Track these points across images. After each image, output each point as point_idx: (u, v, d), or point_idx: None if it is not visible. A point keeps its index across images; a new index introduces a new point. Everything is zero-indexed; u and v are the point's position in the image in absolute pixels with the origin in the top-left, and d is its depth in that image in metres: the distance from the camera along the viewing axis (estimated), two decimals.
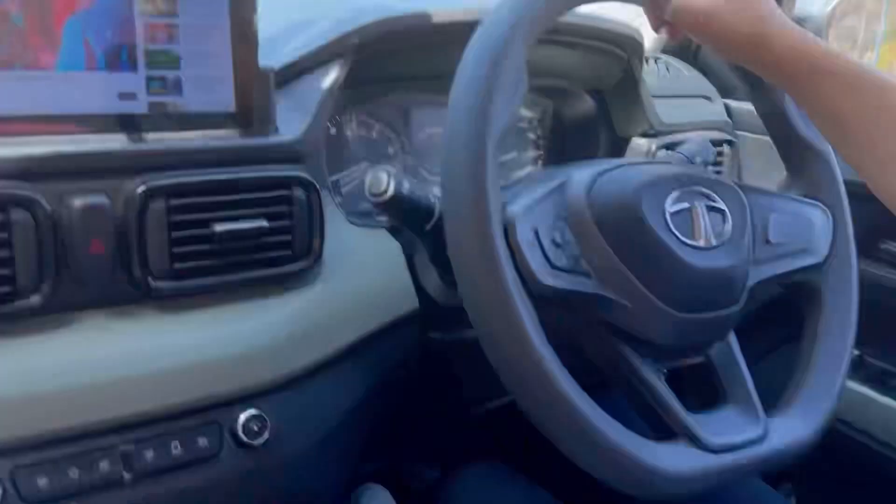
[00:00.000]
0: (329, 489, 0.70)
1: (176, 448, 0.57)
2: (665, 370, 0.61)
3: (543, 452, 0.61)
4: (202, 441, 0.58)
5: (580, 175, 0.61)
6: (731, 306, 0.62)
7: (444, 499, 0.77)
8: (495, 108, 0.53)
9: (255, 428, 0.59)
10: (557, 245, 0.57)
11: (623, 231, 0.58)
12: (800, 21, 1.11)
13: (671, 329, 0.59)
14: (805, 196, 0.71)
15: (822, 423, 0.64)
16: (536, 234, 0.56)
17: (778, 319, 0.75)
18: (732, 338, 0.66)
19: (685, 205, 0.61)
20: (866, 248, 1.01)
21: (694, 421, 0.58)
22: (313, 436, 0.64)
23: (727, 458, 0.57)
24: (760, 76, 0.64)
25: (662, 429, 0.58)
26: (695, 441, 0.57)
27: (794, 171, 0.73)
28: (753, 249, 0.65)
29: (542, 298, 0.54)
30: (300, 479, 0.65)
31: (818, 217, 0.70)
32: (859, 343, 1.04)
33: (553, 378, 0.51)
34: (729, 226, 0.62)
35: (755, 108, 0.73)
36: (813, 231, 0.69)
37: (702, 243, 0.60)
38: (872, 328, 1.03)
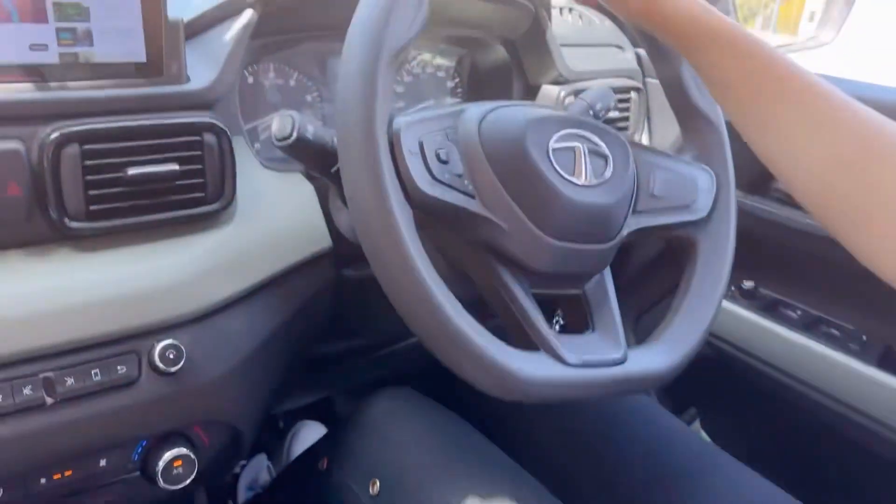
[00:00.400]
0: (249, 412, 0.76)
1: (96, 375, 0.62)
2: (537, 294, 0.66)
3: (449, 380, 0.67)
4: (121, 368, 0.63)
5: (476, 107, 0.66)
6: (605, 242, 0.66)
7: (360, 423, 0.84)
8: (390, 29, 0.56)
9: (171, 356, 0.64)
10: (442, 161, 0.61)
11: (507, 160, 0.62)
12: None
13: (545, 255, 0.63)
14: (695, 160, 0.76)
15: (679, 360, 0.68)
16: (421, 146, 0.60)
17: (662, 274, 0.80)
18: (607, 275, 0.70)
19: (568, 144, 0.65)
20: (761, 188, 1.09)
21: (556, 339, 0.62)
22: (227, 364, 0.69)
23: (582, 373, 0.61)
24: (656, 37, 0.69)
25: (526, 342, 0.62)
26: (553, 354, 0.61)
27: (687, 136, 0.77)
28: (637, 199, 0.70)
29: (422, 207, 0.58)
30: (218, 402, 0.70)
31: (704, 179, 0.74)
32: (754, 275, 1.13)
33: (424, 282, 0.55)
34: (610, 170, 0.66)
35: (655, 71, 0.77)
36: (697, 191, 0.73)
37: (581, 181, 0.64)
38: (766, 261, 1.11)
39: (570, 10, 1.17)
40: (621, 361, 0.64)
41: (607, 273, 0.71)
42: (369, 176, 0.55)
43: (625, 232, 0.69)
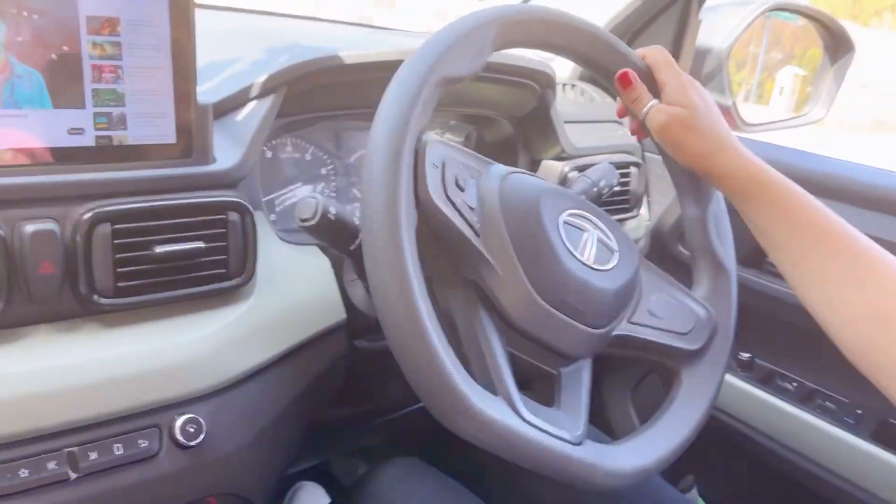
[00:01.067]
0: (263, 484, 0.77)
1: (118, 449, 0.63)
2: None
3: (454, 448, 0.67)
4: (143, 442, 0.64)
5: (502, 166, 0.69)
6: (592, 327, 0.66)
7: (366, 492, 0.85)
8: (415, 115, 0.59)
9: (192, 430, 0.66)
10: (459, 187, 0.63)
11: (520, 217, 0.64)
12: (703, 53, 1.22)
13: (531, 314, 0.63)
14: (702, 299, 0.77)
15: (639, 468, 0.66)
16: (444, 165, 0.62)
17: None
18: (585, 369, 0.69)
19: (579, 223, 0.68)
20: (757, 261, 1.12)
21: (517, 393, 0.61)
22: (245, 436, 0.70)
23: (529, 432, 0.59)
24: (710, 185, 0.73)
25: (486, 382, 0.61)
26: (509, 402, 0.60)
27: (698, 274, 0.79)
28: (635, 309, 0.71)
29: (428, 218, 0.60)
30: (234, 475, 0.72)
31: (703, 315, 0.75)
32: (750, 346, 1.16)
33: (446, 371, 0.55)
34: (614, 263, 0.68)
35: (682, 208, 0.79)
36: (694, 323, 0.74)
37: (584, 258, 0.66)
38: (763, 334, 1.14)
39: (573, 86, 1.21)
40: (574, 443, 0.62)
41: (586, 367, 0.69)
42: (393, 265, 0.56)
43: (614, 331, 0.69)
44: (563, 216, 0.67)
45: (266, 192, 0.89)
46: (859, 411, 1.02)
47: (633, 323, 0.71)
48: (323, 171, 0.94)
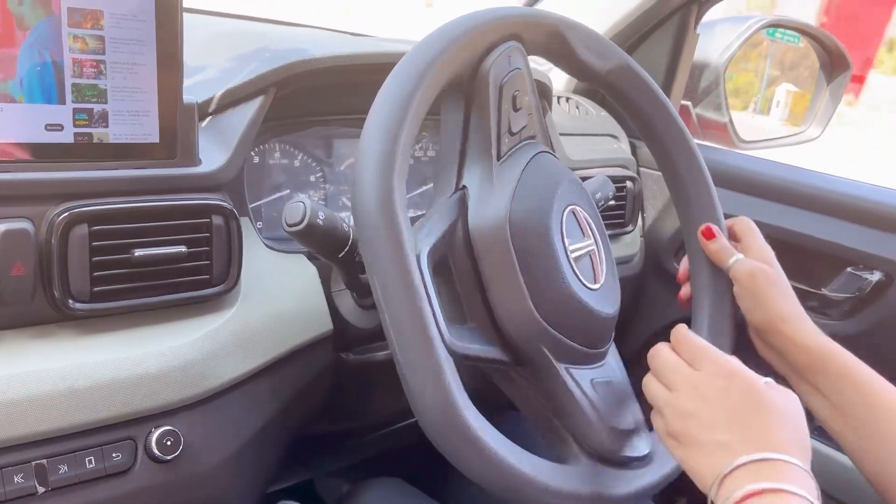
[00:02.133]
0: (244, 500, 0.74)
1: (90, 462, 0.60)
2: None
3: (439, 467, 0.64)
4: (116, 456, 0.61)
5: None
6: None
7: None
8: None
9: (168, 443, 0.63)
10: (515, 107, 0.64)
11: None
12: (700, 67, 1.21)
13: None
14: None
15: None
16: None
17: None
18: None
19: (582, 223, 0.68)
20: None
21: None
22: (226, 450, 0.67)
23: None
24: (780, 357, 0.71)
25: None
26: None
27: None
28: None
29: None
30: (214, 490, 0.68)
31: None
32: (738, 354, 1.13)
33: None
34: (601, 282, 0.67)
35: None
36: None
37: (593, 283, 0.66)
38: (745, 349, 1.12)
39: (568, 99, 1.20)
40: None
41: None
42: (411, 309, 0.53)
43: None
44: (574, 208, 0.66)
45: (253, 198, 0.86)
46: None
47: (569, 373, 0.66)
48: (312, 178, 0.92)
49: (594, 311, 0.65)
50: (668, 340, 0.62)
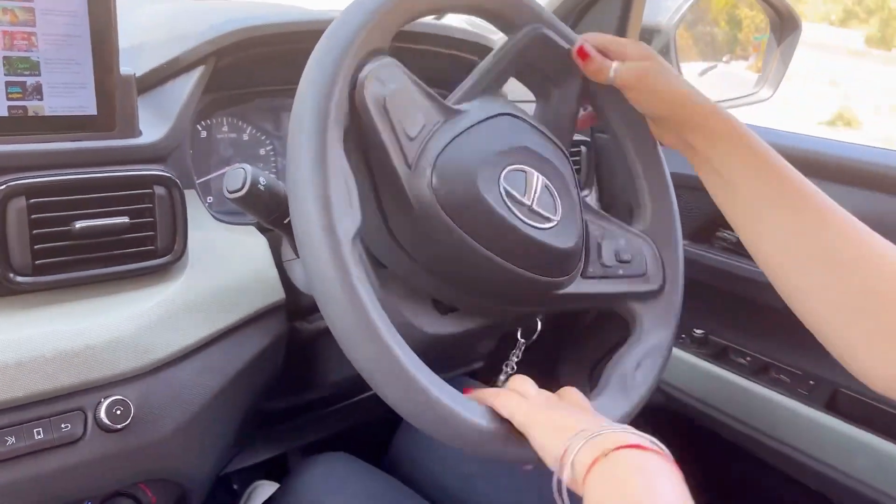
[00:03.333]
0: (198, 471, 0.74)
1: (39, 434, 0.60)
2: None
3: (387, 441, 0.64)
4: (65, 426, 0.61)
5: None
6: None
7: (294, 490, 0.82)
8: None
9: (118, 412, 0.63)
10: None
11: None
12: (649, 31, 1.21)
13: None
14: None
15: None
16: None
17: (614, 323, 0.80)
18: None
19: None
20: (706, 237, 1.11)
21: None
22: (176, 419, 0.67)
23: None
24: (669, 138, 0.72)
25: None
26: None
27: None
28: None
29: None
30: (166, 460, 0.69)
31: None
32: (703, 322, 1.15)
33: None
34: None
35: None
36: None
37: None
38: (716, 309, 1.14)
39: None
40: None
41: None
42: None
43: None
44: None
45: (202, 173, 0.86)
46: (811, 382, 1.02)
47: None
48: (262, 151, 0.92)
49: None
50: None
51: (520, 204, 0.63)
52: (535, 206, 0.64)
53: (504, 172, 0.64)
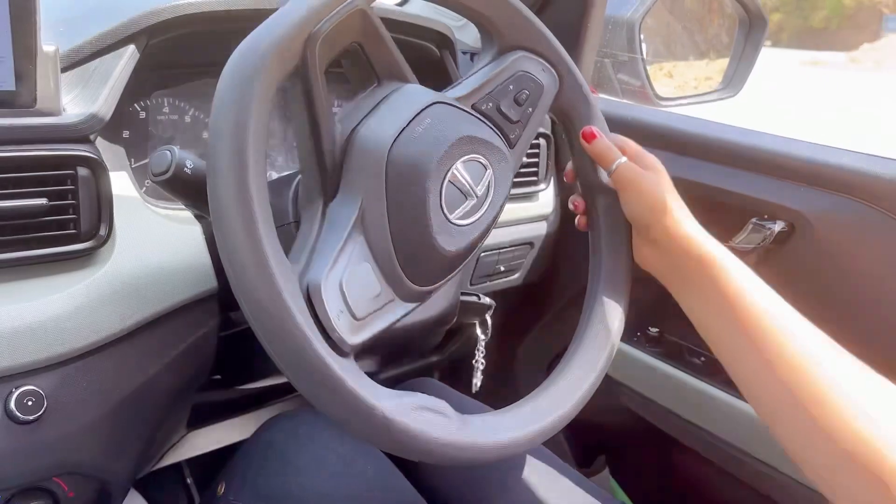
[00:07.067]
0: (119, 465, 0.71)
1: None
2: None
3: None
4: None
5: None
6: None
7: (257, 447, 0.81)
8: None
9: (29, 403, 0.60)
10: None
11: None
12: (611, 23, 1.19)
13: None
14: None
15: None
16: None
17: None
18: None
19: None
20: None
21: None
22: (94, 411, 0.65)
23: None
24: (642, 256, 0.72)
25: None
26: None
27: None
28: None
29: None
30: (84, 453, 0.66)
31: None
32: (659, 321, 1.14)
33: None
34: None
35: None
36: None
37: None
38: (671, 308, 1.12)
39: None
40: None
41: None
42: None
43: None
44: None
45: (139, 155, 0.83)
46: None
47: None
48: (204, 133, 0.89)
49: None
50: None
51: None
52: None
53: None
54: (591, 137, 0.72)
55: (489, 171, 0.63)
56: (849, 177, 0.88)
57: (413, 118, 0.60)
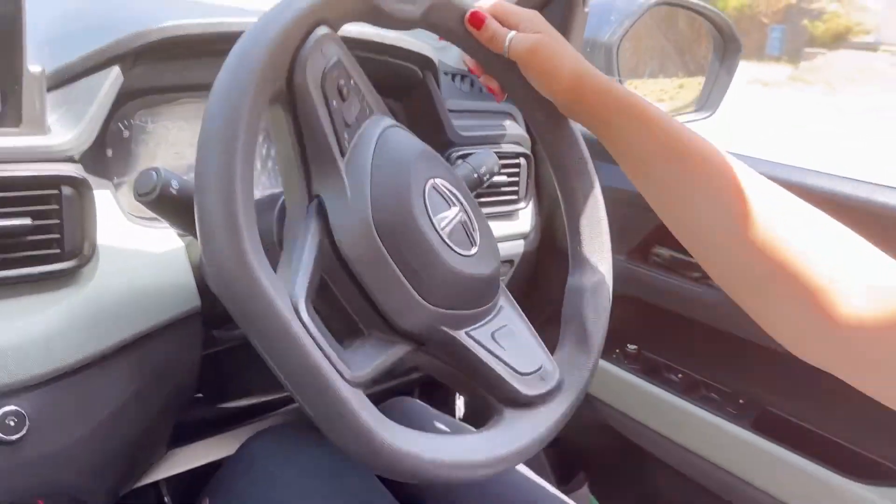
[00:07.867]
0: (100, 485, 0.71)
1: None
2: None
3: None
4: None
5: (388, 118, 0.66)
6: (423, 299, 0.60)
7: (241, 462, 0.80)
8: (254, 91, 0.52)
9: (12, 423, 0.60)
10: (342, 95, 0.59)
11: (390, 169, 0.60)
12: (590, 46, 1.21)
13: (362, 248, 0.58)
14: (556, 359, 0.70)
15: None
16: (338, 62, 0.58)
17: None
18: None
19: (447, 195, 0.65)
20: (643, 254, 1.12)
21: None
22: (76, 431, 0.65)
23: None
24: (569, 113, 0.70)
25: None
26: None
27: (561, 340, 0.73)
28: (478, 322, 0.66)
29: (299, 103, 0.56)
30: (65, 474, 0.66)
31: (549, 369, 0.68)
32: (637, 338, 1.15)
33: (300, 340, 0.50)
34: (472, 251, 0.65)
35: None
36: (537, 370, 0.67)
37: (440, 230, 0.62)
38: (649, 325, 1.14)
39: (463, 77, 1.19)
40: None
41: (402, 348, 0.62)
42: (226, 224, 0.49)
43: (445, 328, 0.63)
44: (433, 181, 0.64)
45: (124, 175, 0.83)
46: (741, 401, 1.03)
47: (470, 336, 0.64)
48: (188, 154, 0.89)
49: (475, 275, 0.64)
50: None
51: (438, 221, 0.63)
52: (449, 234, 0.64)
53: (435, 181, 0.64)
54: (479, 23, 0.67)
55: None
56: None
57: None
